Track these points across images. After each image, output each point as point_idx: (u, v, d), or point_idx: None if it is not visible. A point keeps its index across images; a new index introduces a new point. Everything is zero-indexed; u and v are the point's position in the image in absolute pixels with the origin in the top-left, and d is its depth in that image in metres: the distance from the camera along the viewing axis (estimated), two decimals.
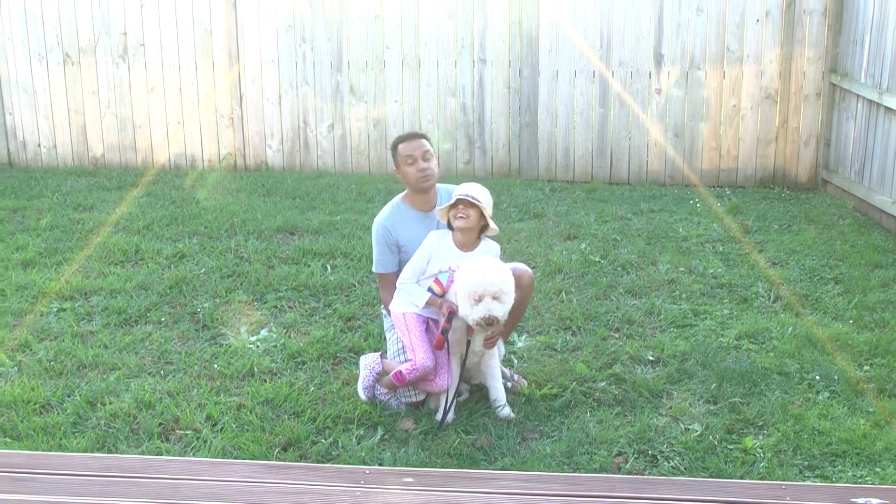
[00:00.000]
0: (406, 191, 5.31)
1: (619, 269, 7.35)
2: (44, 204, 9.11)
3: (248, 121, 10.73)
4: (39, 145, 10.95)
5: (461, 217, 4.95)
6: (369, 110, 10.60)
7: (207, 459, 4.23)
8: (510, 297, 4.83)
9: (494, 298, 4.76)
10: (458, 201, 4.94)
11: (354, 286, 6.90)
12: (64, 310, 6.47)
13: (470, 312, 4.78)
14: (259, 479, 3.42)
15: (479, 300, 4.76)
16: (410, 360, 4.92)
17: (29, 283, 6.90)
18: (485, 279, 4.76)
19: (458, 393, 5.08)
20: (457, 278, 4.89)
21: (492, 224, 5.02)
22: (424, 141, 5.21)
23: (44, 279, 6.97)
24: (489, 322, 4.77)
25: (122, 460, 3.84)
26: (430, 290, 5.05)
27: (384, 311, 5.38)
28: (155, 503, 3.24)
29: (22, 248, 7.68)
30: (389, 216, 5.26)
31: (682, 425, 4.94)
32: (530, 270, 5.33)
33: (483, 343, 4.99)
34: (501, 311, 4.79)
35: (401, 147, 5.21)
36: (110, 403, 5.13)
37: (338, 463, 4.52)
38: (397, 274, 5.20)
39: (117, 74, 10.73)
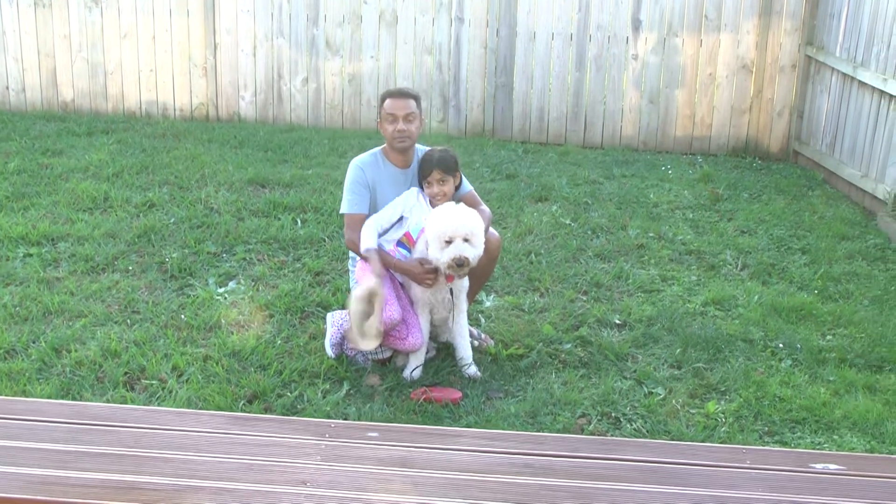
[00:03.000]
0: (385, 144, 5.30)
1: (589, 232, 7.38)
2: (11, 147, 8.98)
3: (222, 71, 10.60)
4: (8, 88, 10.76)
5: (438, 197, 5.06)
6: (345, 65, 10.51)
7: (174, 409, 4.22)
8: (480, 241, 4.84)
9: (465, 241, 4.77)
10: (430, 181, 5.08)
11: (324, 241, 6.89)
12: (30, 255, 6.41)
13: (440, 255, 4.79)
14: (225, 430, 3.43)
15: (450, 242, 4.77)
16: None
17: None
18: (455, 221, 4.78)
19: (426, 350, 5.11)
20: (426, 225, 4.90)
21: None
22: (412, 101, 5.18)
23: (10, 223, 6.88)
24: (460, 263, 4.77)
25: (88, 408, 3.83)
26: (399, 243, 5.07)
27: (351, 267, 5.37)
28: (120, 451, 3.24)
29: None
30: (369, 164, 5.23)
31: (645, 389, 5.00)
32: (497, 234, 5.35)
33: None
34: (472, 253, 4.79)
35: (387, 102, 5.19)
36: (76, 351, 5.11)
37: (303, 416, 4.53)
38: (367, 216, 5.18)
39: (90, 18, 10.55)
